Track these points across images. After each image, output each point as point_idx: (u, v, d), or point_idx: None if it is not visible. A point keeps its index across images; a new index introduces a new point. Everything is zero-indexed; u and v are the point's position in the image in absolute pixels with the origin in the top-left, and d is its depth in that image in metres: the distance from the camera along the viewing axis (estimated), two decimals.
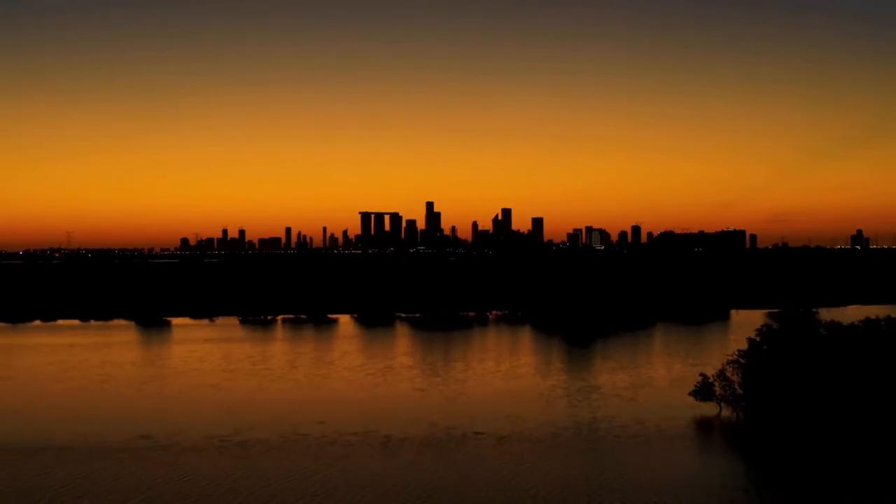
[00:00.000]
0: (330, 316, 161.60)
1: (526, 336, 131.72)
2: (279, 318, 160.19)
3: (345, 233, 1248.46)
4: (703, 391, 75.68)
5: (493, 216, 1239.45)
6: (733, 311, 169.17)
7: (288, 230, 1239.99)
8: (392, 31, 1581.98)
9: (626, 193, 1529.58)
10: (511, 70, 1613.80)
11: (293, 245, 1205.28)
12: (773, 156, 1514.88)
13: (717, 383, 75.22)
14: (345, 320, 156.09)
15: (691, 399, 74.78)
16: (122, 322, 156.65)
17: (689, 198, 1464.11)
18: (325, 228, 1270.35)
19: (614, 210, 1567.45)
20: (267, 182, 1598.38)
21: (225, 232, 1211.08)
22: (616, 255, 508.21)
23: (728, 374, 75.42)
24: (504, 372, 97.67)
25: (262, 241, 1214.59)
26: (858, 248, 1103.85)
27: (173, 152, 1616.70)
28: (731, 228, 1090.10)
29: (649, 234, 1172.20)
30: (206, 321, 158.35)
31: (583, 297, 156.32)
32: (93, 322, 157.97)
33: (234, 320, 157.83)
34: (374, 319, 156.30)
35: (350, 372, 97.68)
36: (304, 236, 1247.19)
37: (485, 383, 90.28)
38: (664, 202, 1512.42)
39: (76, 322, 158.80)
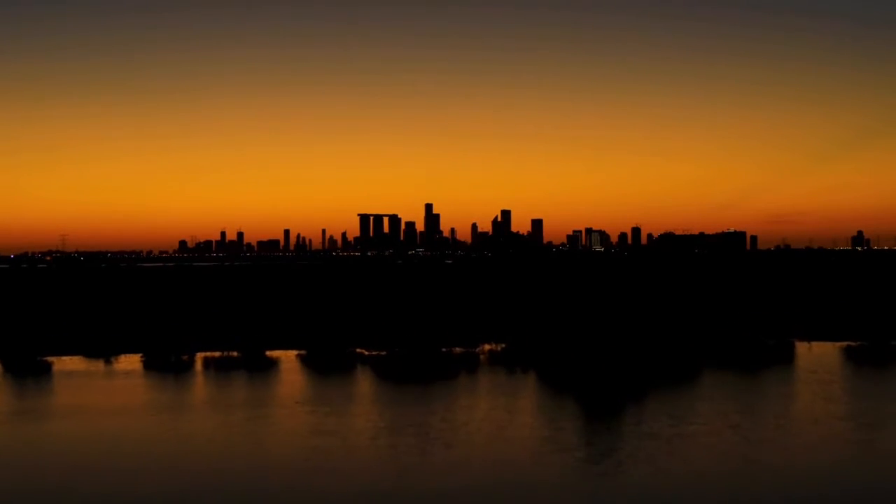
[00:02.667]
0: (269, 354, 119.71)
1: (528, 394, 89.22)
2: (200, 356, 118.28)
3: (343, 235, 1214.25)
4: None
5: (492, 218, 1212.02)
6: (797, 342, 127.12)
7: (286, 232, 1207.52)
8: (391, 32, 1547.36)
9: (625, 195, 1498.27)
10: (511, 71, 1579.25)
11: (292, 247, 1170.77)
12: (773, 157, 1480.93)
13: None
14: (287, 362, 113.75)
15: None
16: None
17: (689, 199, 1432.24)
18: (324, 230, 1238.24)
19: (614, 211, 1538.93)
20: (265, 184, 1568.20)
21: (223, 234, 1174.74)
22: (631, 262, 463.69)
23: None
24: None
25: (260, 243, 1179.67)
26: (859, 248, 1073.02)
27: (172, 154, 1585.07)
28: (732, 230, 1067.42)
29: (649, 236, 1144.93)
30: (102, 361, 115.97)
31: (600, 327, 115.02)
32: None
33: (137, 359, 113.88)
34: (326, 359, 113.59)
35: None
36: (303, 238, 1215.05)
37: None
38: (664, 203, 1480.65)
39: None
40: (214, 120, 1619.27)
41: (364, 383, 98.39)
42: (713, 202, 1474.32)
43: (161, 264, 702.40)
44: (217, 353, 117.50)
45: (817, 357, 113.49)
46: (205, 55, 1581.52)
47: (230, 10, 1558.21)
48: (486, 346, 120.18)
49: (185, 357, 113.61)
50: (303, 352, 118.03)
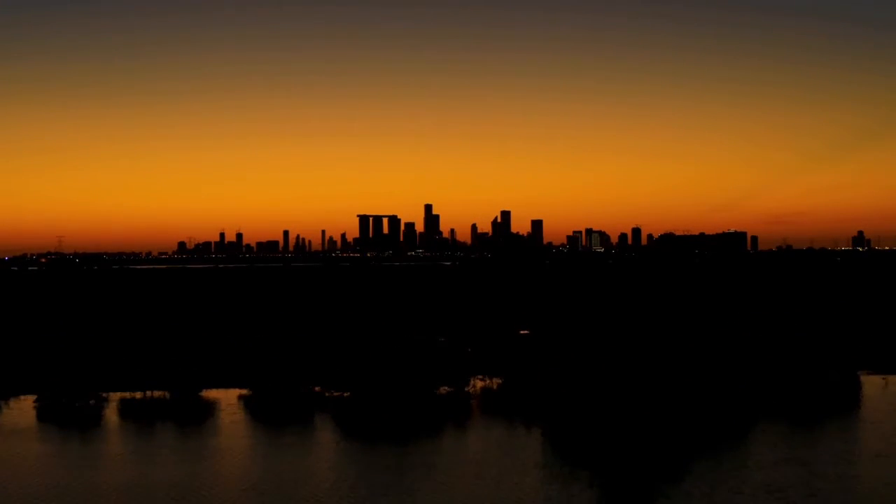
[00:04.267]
0: (205, 395, 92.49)
1: (534, 456, 63.86)
2: (117, 396, 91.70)
3: (343, 236, 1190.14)
4: None
5: (492, 218, 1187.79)
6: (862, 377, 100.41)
7: (286, 233, 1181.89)
8: (390, 34, 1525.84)
9: (625, 195, 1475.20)
10: (510, 72, 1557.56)
11: (291, 248, 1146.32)
12: (773, 157, 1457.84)
13: None
14: (227, 404, 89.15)
15: None
16: None
17: (689, 199, 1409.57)
18: (323, 232, 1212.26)
19: (614, 212, 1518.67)
20: (265, 185, 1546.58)
21: (222, 235, 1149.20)
22: (642, 266, 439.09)
23: None
24: None
25: (259, 244, 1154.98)
26: (860, 249, 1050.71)
27: (172, 155, 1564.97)
28: (732, 230, 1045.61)
29: (649, 237, 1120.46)
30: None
31: (617, 355, 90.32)
32: None
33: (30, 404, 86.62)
34: (275, 401, 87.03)
35: None
36: (303, 239, 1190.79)
37: None
38: (664, 204, 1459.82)
39: None
40: (213, 121, 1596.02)
41: (322, 442, 73.58)
42: (713, 202, 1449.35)
43: (151, 266, 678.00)
44: (137, 395, 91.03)
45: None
46: (203, 57, 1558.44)
47: (229, 12, 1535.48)
48: (479, 383, 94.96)
49: (92, 401, 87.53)
50: (247, 391, 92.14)
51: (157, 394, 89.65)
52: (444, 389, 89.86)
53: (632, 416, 76.70)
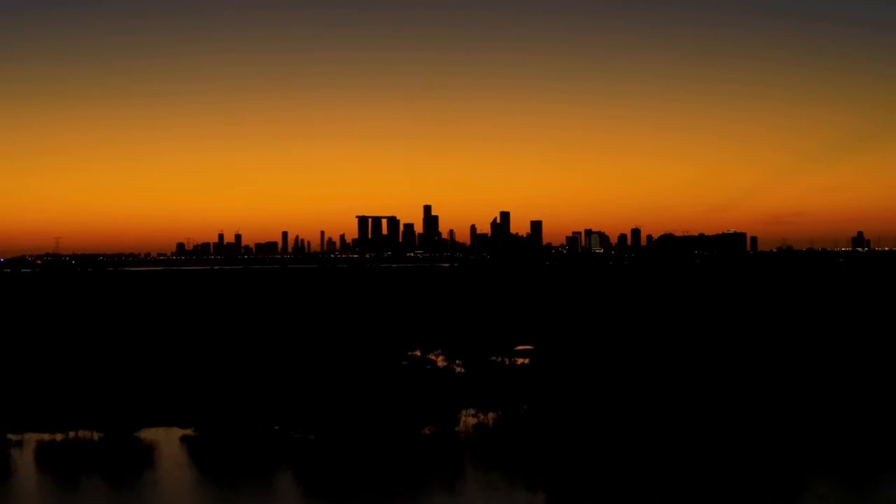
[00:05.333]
0: (143, 435, 74.43)
1: None
2: (34, 438, 73.37)
3: (342, 237, 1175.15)
4: None
5: (491, 219, 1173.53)
6: None
7: (285, 234, 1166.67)
8: (389, 34, 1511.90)
9: (624, 196, 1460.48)
10: (509, 73, 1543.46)
11: (290, 250, 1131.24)
12: (772, 158, 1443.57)
13: None
14: (168, 448, 72.19)
15: None
16: None
17: (689, 200, 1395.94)
18: (322, 232, 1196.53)
19: (613, 212, 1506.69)
20: (263, 186, 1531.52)
21: (221, 236, 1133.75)
22: (656, 271, 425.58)
23: None
24: None
25: (258, 245, 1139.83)
26: (860, 249, 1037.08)
27: (171, 157, 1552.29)
28: (732, 231, 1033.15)
29: (649, 237, 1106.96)
30: None
31: (642, 383, 74.85)
32: None
33: None
34: (225, 444, 70.24)
35: None
36: (302, 240, 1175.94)
37: None
38: (663, 204, 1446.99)
39: None
40: (212, 122, 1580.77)
41: (281, 498, 58.06)
42: (712, 203, 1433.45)
43: (146, 268, 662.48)
44: (58, 436, 73.12)
45: None
46: (202, 59, 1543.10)
47: (227, 13, 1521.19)
48: (471, 420, 79.14)
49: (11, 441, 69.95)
50: (191, 431, 74.81)
51: (84, 434, 74.02)
52: (427, 429, 74.13)
53: (656, 463, 61.15)
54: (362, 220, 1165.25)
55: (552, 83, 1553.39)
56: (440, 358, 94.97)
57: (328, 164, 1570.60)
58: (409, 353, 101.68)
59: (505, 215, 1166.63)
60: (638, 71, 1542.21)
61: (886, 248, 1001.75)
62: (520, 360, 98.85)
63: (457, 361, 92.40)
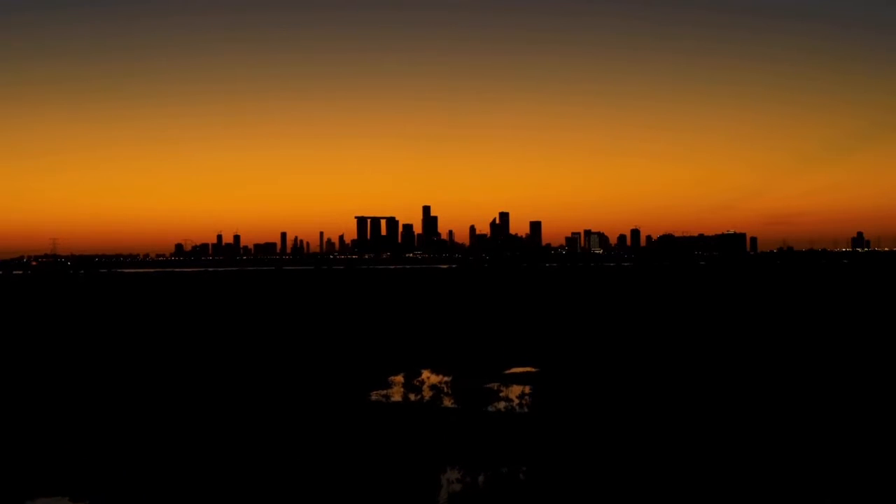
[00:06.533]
0: None
1: None
2: None
3: (341, 237, 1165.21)
4: None
5: (490, 220, 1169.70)
6: None
7: (283, 235, 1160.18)
8: (388, 35, 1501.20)
9: (624, 196, 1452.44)
10: (508, 73, 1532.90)
11: (289, 250, 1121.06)
12: (771, 158, 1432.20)
13: None
14: None
15: None
16: None
17: (688, 200, 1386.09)
18: (321, 233, 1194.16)
19: (613, 213, 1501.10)
20: (262, 187, 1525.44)
21: (219, 237, 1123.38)
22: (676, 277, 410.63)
23: None
24: None
25: (257, 246, 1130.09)
26: (860, 250, 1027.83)
27: (169, 157, 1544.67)
28: (732, 231, 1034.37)
29: (648, 238, 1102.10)
30: None
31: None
32: None
33: None
34: None
35: None
36: (301, 241, 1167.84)
37: None
38: (663, 205, 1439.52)
39: None
40: (210, 123, 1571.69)
41: None
42: (712, 203, 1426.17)
43: (142, 270, 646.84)
44: None
45: None
46: (200, 60, 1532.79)
47: (225, 14, 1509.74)
48: (457, 487, 60.94)
49: None
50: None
51: None
52: None
53: None
54: (361, 221, 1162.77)
55: (552, 84, 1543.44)
56: (424, 386, 78.33)
57: (327, 164, 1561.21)
58: (389, 379, 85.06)
59: (504, 216, 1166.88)
60: (638, 71, 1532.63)
61: (886, 249, 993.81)
62: (518, 390, 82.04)
63: (443, 392, 75.88)
